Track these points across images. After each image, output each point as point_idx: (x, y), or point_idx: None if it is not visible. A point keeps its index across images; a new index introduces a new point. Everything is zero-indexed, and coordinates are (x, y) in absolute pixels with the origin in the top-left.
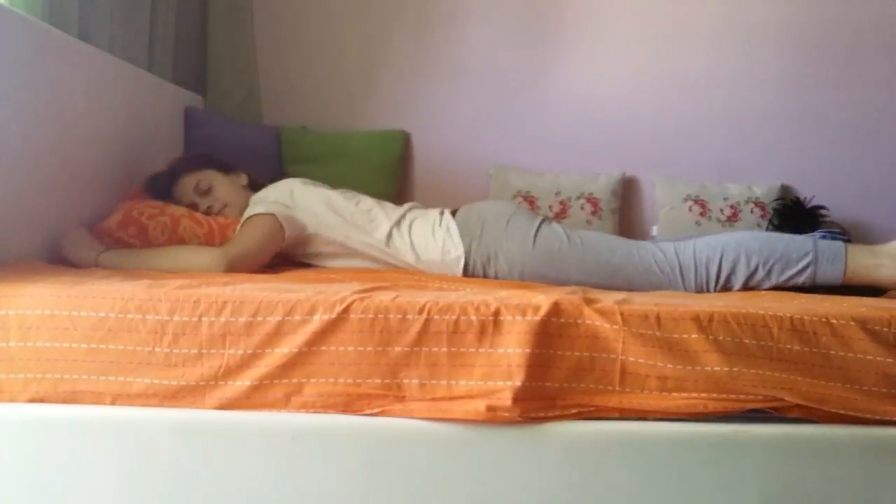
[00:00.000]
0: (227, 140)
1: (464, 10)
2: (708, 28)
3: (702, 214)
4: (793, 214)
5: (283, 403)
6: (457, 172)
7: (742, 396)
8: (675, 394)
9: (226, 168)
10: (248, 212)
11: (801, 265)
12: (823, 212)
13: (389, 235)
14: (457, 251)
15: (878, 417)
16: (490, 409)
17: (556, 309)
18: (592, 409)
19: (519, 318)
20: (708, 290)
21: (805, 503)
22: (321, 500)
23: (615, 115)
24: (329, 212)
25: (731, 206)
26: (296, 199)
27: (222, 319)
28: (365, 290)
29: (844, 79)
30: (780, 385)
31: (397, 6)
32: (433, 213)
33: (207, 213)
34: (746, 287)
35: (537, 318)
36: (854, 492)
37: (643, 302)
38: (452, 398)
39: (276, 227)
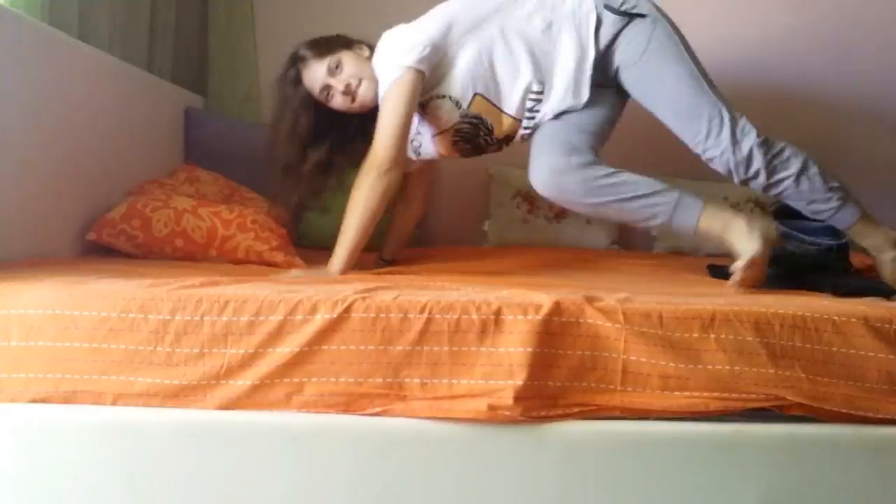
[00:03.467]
0: (227, 140)
1: None
2: (707, 28)
3: None
4: (792, 214)
5: (285, 403)
6: (457, 172)
7: (744, 395)
8: (676, 393)
9: (348, 43)
10: (384, 81)
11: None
12: None
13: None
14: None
15: (881, 416)
16: (492, 408)
17: (557, 308)
18: (594, 408)
19: (520, 316)
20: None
21: (808, 502)
22: (322, 500)
23: None
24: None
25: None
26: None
27: (224, 318)
28: (366, 290)
29: (844, 78)
30: (782, 384)
31: (397, 6)
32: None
33: (346, 93)
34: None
35: (539, 316)
36: (857, 491)
37: (645, 301)
38: (454, 397)
39: (416, 83)
